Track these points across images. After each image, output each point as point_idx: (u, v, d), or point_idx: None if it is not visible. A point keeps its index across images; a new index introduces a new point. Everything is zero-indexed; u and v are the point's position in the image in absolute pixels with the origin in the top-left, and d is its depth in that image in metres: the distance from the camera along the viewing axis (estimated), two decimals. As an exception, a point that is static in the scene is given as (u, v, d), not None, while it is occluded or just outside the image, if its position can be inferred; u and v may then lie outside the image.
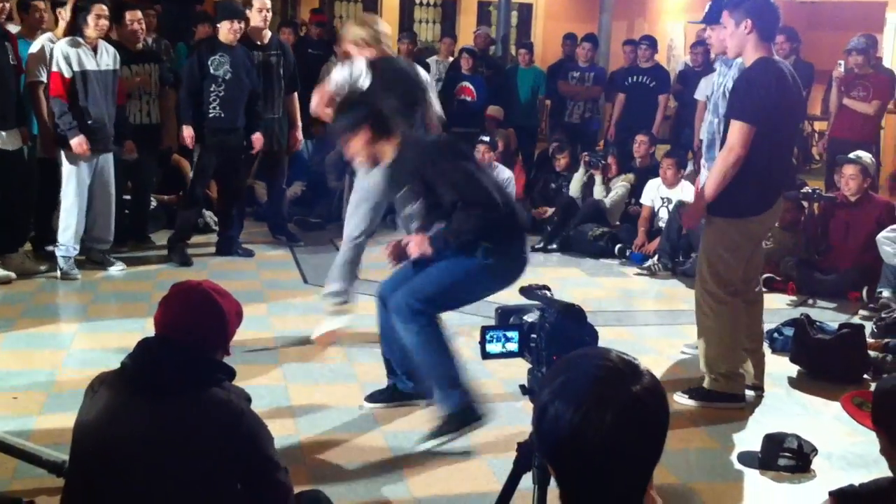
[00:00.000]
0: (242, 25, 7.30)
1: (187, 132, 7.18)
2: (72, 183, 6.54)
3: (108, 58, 6.66)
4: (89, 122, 6.48)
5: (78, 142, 6.38)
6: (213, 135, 7.22)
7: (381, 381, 4.96)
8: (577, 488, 1.60)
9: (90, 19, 6.45)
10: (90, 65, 6.50)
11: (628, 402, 1.55)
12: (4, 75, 6.37)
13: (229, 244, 7.64)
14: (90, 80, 6.49)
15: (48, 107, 6.59)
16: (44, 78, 6.59)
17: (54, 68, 6.38)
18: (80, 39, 6.46)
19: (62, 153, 6.53)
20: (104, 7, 6.54)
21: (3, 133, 6.39)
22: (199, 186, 7.53)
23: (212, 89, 7.14)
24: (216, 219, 8.25)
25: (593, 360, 1.61)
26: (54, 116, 6.44)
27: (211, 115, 7.18)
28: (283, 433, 4.11)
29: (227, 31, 7.18)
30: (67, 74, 6.40)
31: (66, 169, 6.54)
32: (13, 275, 6.46)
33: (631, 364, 1.61)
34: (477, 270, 4.08)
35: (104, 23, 6.60)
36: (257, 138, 7.50)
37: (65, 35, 6.62)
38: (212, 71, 7.12)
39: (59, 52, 6.39)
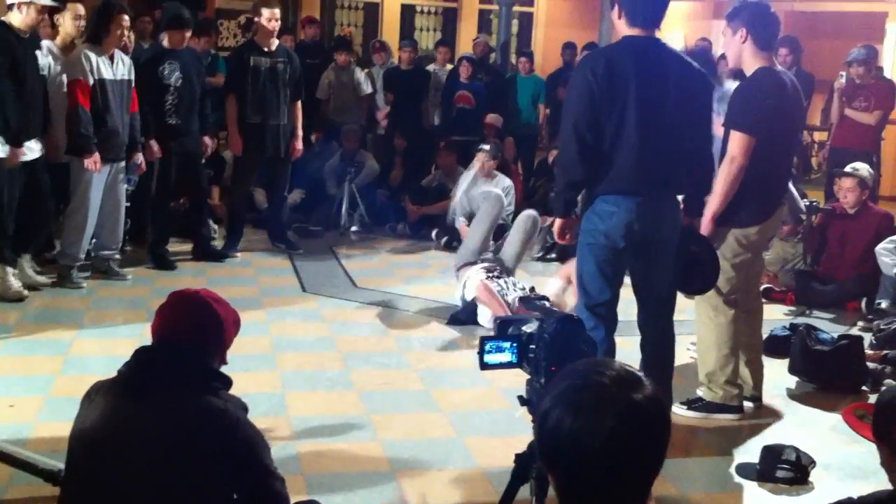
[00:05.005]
0: (190, 34, 7.33)
1: (156, 146, 7.09)
2: (83, 192, 6.48)
3: (123, 67, 6.65)
4: (104, 130, 6.46)
5: (92, 160, 6.34)
6: (171, 141, 7.21)
7: (378, 388, 4.97)
8: (577, 497, 1.60)
9: (112, 28, 6.45)
10: (107, 73, 6.49)
11: (629, 409, 1.55)
12: (35, 85, 6.24)
13: (204, 247, 7.70)
14: (107, 88, 6.48)
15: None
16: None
17: (78, 75, 6.33)
18: (99, 47, 6.46)
19: (76, 162, 6.46)
20: (126, 17, 6.58)
21: (31, 142, 6.25)
22: (165, 194, 7.48)
23: (166, 98, 7.14)
24: (216, 227, 8.26)
25: (595, 368, 1.62)
26: (75, 124, 6.35)
27: (170, 123, 7.18)
28: (280, 442, 4.10)
29: (176, 40, 7.19)
30: (90, 82, 6.38)
31: (80, 177, 6.47)
32: (26, 292, 6.28)
33: (633, 373, 1.61)
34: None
35: (125, 33, 6.63)
36: (205, 142, 7.60)
37: (64, 43, 6.65)
38: (164, 80, 7.12)
39: (82, 58, 6.36)
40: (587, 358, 1.84)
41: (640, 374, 1.62)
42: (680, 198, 4.31)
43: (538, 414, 1.63)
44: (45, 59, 6.49)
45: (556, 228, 4.35)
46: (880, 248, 6.64)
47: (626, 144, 4.01)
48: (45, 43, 6.71)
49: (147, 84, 7.04)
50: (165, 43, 7.32)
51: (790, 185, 5.88)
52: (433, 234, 8.83)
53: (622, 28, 4.17)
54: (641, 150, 4.02)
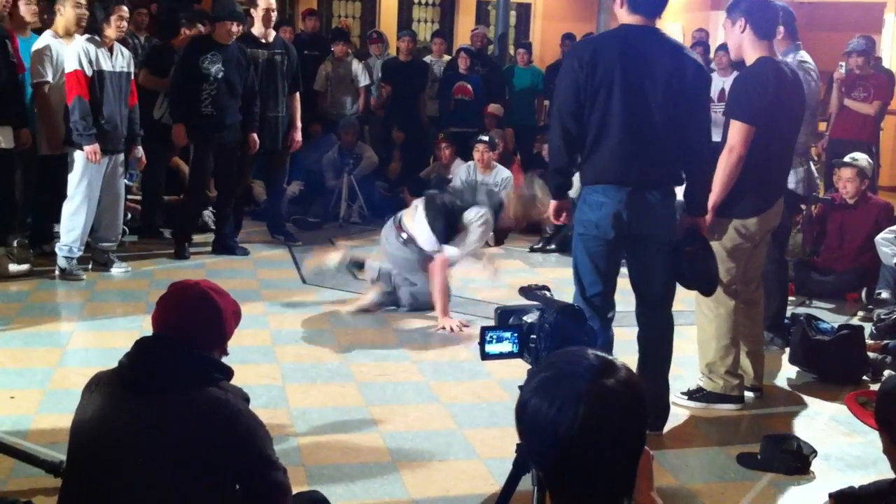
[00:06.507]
0: (241, 29, 7.32)
1: (179, 129, 7.20)
2: (82, 184, 6.48)
3: (122, 60, 6.66)
4: (102, 122, 6.46)
5: (92, 149, 6.36)
6: (205, 132, 7.24)
7: (376, 380, 4.96)
8: (563, 484, 1.64)
9: (112, 20, 6.46)
10: (106, 65, 6.49)
11: (600, 396, 1.59)
12: (5, 74, 6.28)
13: (223, 242, 7.64)
14: (105, 80, 6.48)
15: (51, 104, 6.60)
16: (48, 77, 6.57)
17: (76, 66, 6.33)
18: (98, 39, 6.46)
19: (74, 153, 6.46)
20: (125, 9, 6.58)
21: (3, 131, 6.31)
22: (199, 182, 7.53)
23: (203, 88, 7.15)
24: (214, 217, 8.25)
25: (569, 358, 1.67)
26: (71, 114, 6.36)
27: (203, 114, 7.20)
28: (280, 433, 4.10)
29: (225, 32, 7.19)
30: (89, 73, 6.38)
31: (78, 169, 6.47)
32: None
33: (606, 360, 1.65)
34: None
35: (124, 25, 6.65)
36: (253, 139, 7.50)
37: (65, 32, 6.64)
38: (204, 70, 7.13)
39: (80, 50, 6.36)
40: (564, 348, 1.85)
41: (614, 359, 1.66)
42: (680, 195, 4.29)
43: (517, 406, 1.66)
44: (53, 48, 6.54)
45: (550, 210, 4.39)
46: (880, 238, 6.64)
47: (611, 134, 4.01)
48: (48, 32, 6.73)
49: (186, 72, 7.10)
50: (217, 37, 7.25)
51: (809, 162, 5.83)
52: None
53: (622, 16, 4.15)
54: (626, 140, 4.00)
